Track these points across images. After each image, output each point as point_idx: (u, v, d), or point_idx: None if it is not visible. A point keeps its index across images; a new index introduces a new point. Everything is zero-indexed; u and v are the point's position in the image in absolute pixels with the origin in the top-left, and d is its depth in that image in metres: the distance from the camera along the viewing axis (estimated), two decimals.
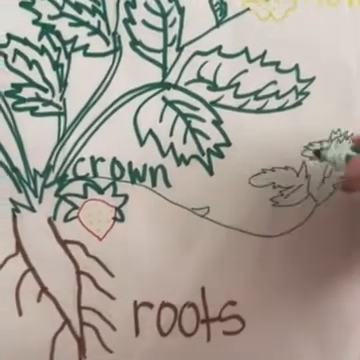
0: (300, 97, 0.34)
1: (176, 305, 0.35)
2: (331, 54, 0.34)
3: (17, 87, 0.31)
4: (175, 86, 0.33)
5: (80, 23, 0.31)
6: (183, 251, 0.35)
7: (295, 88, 0.34)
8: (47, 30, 0.31)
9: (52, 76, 0.32)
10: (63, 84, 0.32)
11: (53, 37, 0.31)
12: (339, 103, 0.34)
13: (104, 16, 0.32)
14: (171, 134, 0.33)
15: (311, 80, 0.34)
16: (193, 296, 0.35)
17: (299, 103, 0.34)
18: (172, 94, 0.33)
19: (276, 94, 0.34)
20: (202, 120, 0.33)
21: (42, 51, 0.31)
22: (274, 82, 0.33)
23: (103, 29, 0.32)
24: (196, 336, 0.36)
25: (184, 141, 0.33)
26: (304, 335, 0.37)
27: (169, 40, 0.32)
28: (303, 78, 0.34)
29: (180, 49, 0.32)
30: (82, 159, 0.33)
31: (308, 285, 0.36)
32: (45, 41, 0.31)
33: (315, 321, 0.37)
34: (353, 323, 0.37)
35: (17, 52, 0.31)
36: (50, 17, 0.31)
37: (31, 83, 0.32)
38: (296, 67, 0.33)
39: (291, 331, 0.37)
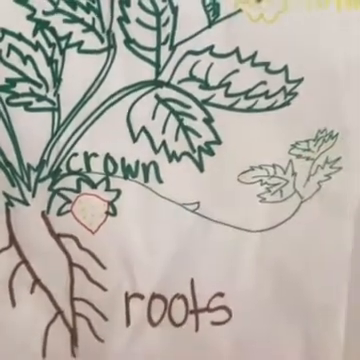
0: (288, 97, 0.34)
1: (166, 296, 0.36)
2: (320, 56, 0.34)
3: (11, 82, 0.31)
4: (168, 84, 0.33)
5: (75, 20, 0.31)
6: (173, 244, 0.36)
7: (284, 88, 0.34)
8: (42, 26, 0.31)
9: (46, 72, 0.32)
10: (57, 80, 0.32)
11: (48, 33, 0.31)
12: (326, 103, 0.35)
13: (99, 13, 0.32)
14: (163, 131, 0.34)
15: (299, 81, 0.34)
16: (183, 288, 0.36)
17: (287, 103, 0.34)
18: (165, 92, 0.33)
19: (265, 94, 0.34)
20: (194, 118, 0.34)
21: (36, 47, 0.31)
22: (264, 82, 0.34)
23: (97, 26, 0.32)
24: (185, 326, 0.37)
25: (176, 138, 0.34)
26: (288, 325, 0.38)
27: (162, 39, 0.32)
28: (292, 79, 0.34)
29: (173, 48, 0.33)
30: (76, 154, 0.33)
31: (293, 277, 0.38)
32: (39, 37, 0.31)
33: (299, 312, 0.38)
34: (337, 314, 0.39)
35: (11, 47, 0.31)
36: (45, 13, 0.31)
37: (25, 78, 0.32)
38: (285, 68, 0.34)
39: (275, 321, 0.38)
